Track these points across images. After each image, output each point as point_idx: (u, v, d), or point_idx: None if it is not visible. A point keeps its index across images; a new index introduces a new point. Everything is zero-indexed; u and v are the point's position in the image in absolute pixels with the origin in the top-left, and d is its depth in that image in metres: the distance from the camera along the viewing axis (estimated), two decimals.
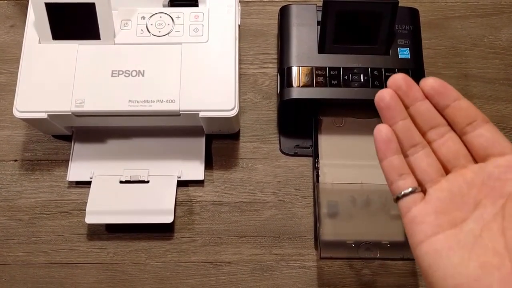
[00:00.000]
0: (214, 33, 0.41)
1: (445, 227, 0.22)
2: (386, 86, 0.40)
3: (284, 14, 0.45)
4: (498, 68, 0.49)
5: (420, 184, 0.24)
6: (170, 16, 0.42)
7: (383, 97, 0.24)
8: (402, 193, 0.24)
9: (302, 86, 0.41)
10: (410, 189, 0.23)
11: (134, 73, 0.39)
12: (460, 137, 0.24)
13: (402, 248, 0.39)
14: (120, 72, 0.39)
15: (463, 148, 0.24)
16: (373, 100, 0.41)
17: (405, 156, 0.24)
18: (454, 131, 0.24)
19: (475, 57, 0.49)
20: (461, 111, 0.23)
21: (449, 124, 0.24)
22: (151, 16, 0.42)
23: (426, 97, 0.24)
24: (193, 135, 0.44)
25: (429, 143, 0.24)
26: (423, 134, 0.24)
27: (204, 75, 0.39)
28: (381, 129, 0.24)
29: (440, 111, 0.24)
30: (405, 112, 0.24)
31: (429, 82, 0.24)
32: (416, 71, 0.42)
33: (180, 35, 0.41)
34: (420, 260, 0.22)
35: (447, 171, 0.24)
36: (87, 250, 0.42)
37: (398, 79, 0.24)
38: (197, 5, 0.43)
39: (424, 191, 0.24)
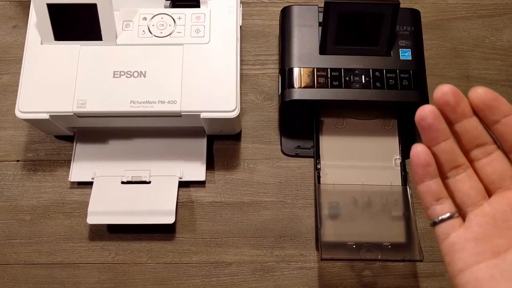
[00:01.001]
0: (216, 34, 0.41)
1: (487, 255, 0.21)
2: (387, 88, 0.41)
3: (285, 15, 0.45)
4: (499, 70, 0.49)
5: (459, 208, 0.23)
6: (172, 17, 0.42)
7: (425, 116, 0.22)
8: (440, 218, 0.22)
9: (304, 87, 0.41)
10: (448, 214, 0.22)
11: (135, 74, 0.40)
12: (506, 155, 0.22)
13: (403, 250, 0.39)
14: (122, 73, 0.40)
15: (510, 168, 0.22)
16: (373, 101, 0.41)
17: (445, 178, 0.23)
18: (501, 148, 0.22)
19: (477, 58, 0.49)
20: None
21: (495, 141, 0.22)
22: (152, 17, 0.42)
23: (474, 109, 0.22)
24: (195, 136, 0.44)
25: (472, 161, 0.23)
26: (467, 152, 0.23)
27: (205, 76, 0.40)
28: (419, 152, 0.22)
29: (488, 125, 0.22)
30: (449, 132, 0.22)
31: (480, 94, 0.22)
32: (417, 72, 0.42)
33: (182, 36, 0.41)
34: None
35: (490, 194, 0.23)
36: (88, 251, 0.42)
37: (447, 93, 0.22)
38: (198, 6, 0.43)
39: (463, 216, 0.23)
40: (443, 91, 0.22)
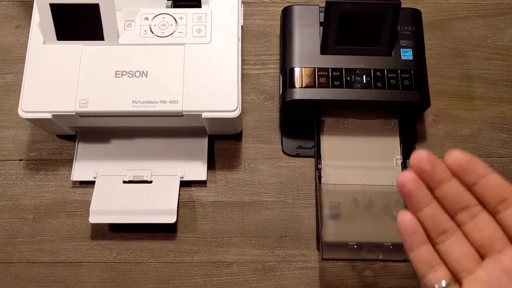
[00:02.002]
0: (217, 34, 0.41)
1: None
2: (388, 87, 0.41)
3: (286, 15, 0.45)
4: (501, 69, 0.49)
5: (454, 273, 0.22)
6: (173, 17, 0.42)
7: (405, 183, 0.22)
8: (436, 287, 0.22)
9: (305, 87, 0.41)
10: (444, 283, 0.22)
11: (137, 74, 0.40)
12: (493, 216, 0.22)
13: (404, 250, 0.39)
14: (124, 73, 0.40)
15: (498, 230, 0.22)
16: (374, 101, 0.42)
17: (434, 243, 0.23)
18: (486, 209, 0.22)
19: (478, 58, 0.49)
20: (491, 188, 0.21)
21: (480, 203, 0.22)
22: (154, 17, 0.42)
23: (452, 173, 0.22)
24: (196, 136, 0.45)
25: (459, 225, 0.23)
26: (453, 216, 0.23)
27: (207, 76, 0.40)
28: (405, 219, 0.22)
29: (469, 188, 0.22)
30: (430, 197, 0.22)
31: (454, 158, 0.22)
32: (419, 72, 0.42)
33: (183, 36, 0.41)
34: None
35: (483, 257, 0.22)
36: (90, 250, 0.42)
37: (421, 160, 0.22)
38: (200, 6, 0.43)
39: (459, 281, 0.22)
40: (419, 157, 0.22)
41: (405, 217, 0.22)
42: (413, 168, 0.22)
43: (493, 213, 0.22)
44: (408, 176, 0.22)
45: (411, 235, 0.22)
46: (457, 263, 0.22)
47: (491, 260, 0.22)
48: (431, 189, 0.22)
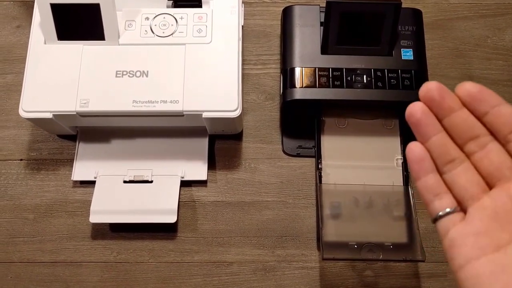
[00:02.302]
0: (218, 34, 0.41)
1: (488, 250, 0.20)
2: (388, 87, 0.41)
3: (287, 15, 0.45)
4: (502, 69, 0.49)
5: (459, 202, 0.22)
6: (174, 17, 0.42)
7: (414, 112, 0.22)
8: (440, 214, 0.22)
9: (305, 87, 0.41)
10: (447, 210, 0.22)
11: (138, 74, 0.40)
12: (503, 146, 0.22)
13: (405, 250, 0.39)
14: (124, 73, 0.40)
15: (508, 159, 0.21)
16: (375, 101, 0.42)
17: (442, 173, 0.23)
18: (497, 139, 0.22)
19: (479, 58, 0.49)
20: (502, 117, 0.21)
21: (491, 133, 0.22)
22: (155, 17, 0.42)
23: (463, 104, 0.22)
24: (197, 136, 0.45)
25: (469, 155, 0.22)
26: (461, 146, 0.22)
27: (207, 76, 0.40)
28: (413, 148, 0.22)
29: (479, 118, 0.22)
30: (439, 126, 0.22)
31: (466, 88, 0.22)
32: (419, 72, 0.42)
33: (184, 36, 0.41)
34: (461, 286, 0.21)
35: (491, 186, 0.22)
36: (91, 249, 0.42)
37: (431, 89, 0.22)
38: (200, 6, 0.43)
39: (464, 210, 0.22)
40: (427, 88, 0.22)
41: (413, 146, 0.22)
42: (422, 98, 0.22)
43: (504, 143, 0.22)
44: (417, 105, 0.22)
45: (418, 162, 0.22)
46: (463, 191, 0.22)
47: (498, 188, 0.21)
48: (440, 120, 0.22)
